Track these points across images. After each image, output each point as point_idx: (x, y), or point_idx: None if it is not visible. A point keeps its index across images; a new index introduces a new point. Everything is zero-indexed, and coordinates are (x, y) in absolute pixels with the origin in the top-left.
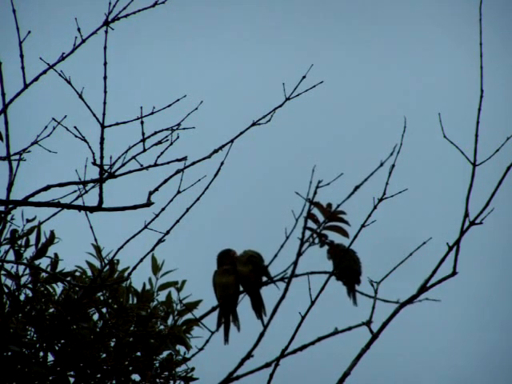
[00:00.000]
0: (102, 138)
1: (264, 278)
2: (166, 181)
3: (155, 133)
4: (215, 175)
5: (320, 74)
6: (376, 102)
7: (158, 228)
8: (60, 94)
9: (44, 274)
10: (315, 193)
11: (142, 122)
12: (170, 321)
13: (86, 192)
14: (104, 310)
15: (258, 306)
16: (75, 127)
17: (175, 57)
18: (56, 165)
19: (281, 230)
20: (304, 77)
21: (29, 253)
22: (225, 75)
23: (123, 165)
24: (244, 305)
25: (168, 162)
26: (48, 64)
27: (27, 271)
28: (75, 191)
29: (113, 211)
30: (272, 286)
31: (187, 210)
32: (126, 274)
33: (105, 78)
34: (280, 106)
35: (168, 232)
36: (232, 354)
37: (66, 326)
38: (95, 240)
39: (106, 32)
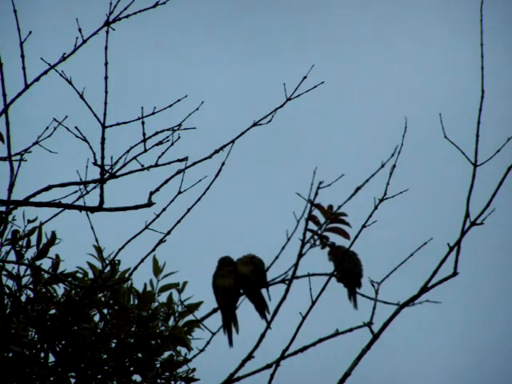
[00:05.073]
0: (103, 139)
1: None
2: (166, 181)
3: (156, 133)
4: (216, 175)
5: (321, 74)
6: (377, 103)
7: (159, 228)
8: (61, 94)
9: (45, 275)
10: (316, 194)
11: (142, 123)
12: (171, 322)
13: (87, 192)
14: (105, 310)
15: (261, 306)
16: (76, 127)
17: (176, 57)
18: (57, 165)
19: (282, 231)
20: (305, 77)
21: (30, 253)
22: (225, 75)
23: (124, 165)
24: (244, 306)
25: (169, 163)
26: (49, 64)
27: (28, 272)
28: (76, 191)
29: (114, 211)
30: (272, 287)
31: (188, 210)
32: (127, 274)
33: (106, 78)
34: (281, 106)
35: (169, 232)
36: (233, 355)
37: (67, 326)
38: (96, 240)
39: (107, 32)
